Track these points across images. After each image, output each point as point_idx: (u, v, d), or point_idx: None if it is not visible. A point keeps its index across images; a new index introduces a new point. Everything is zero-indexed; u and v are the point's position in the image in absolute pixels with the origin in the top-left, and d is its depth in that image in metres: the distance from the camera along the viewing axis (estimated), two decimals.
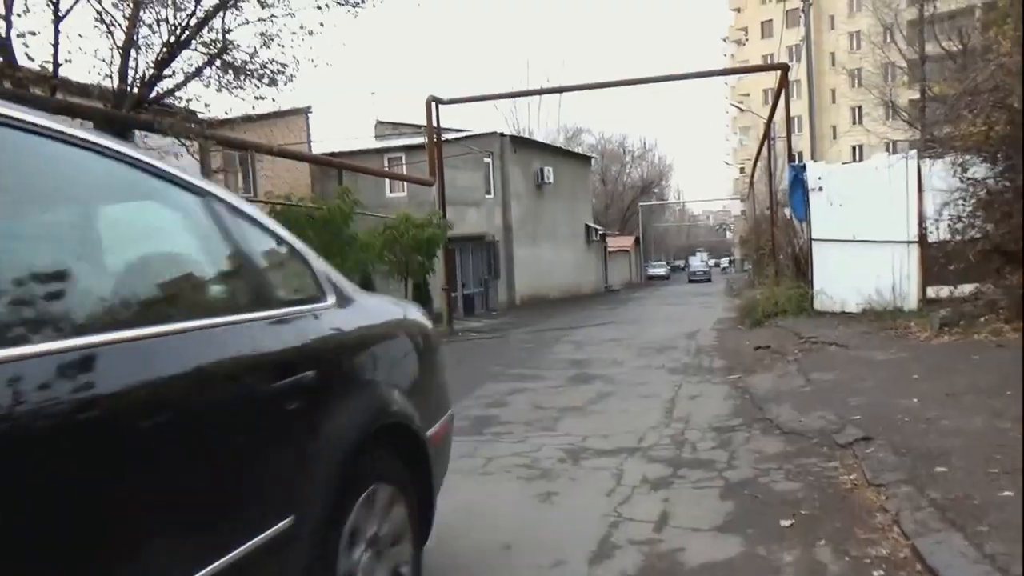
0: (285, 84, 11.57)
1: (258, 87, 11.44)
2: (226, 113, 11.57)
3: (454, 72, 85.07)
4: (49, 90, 9.63)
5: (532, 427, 6.85)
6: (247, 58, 11.14)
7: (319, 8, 11.34)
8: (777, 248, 20.36)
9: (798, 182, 14.14)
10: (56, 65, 9.54)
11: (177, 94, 11.48)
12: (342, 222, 15.10)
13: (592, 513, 4.25)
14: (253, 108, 11.57)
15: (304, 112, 28.61)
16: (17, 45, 9.04)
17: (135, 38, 10.75)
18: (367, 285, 18.05)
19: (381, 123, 36.14)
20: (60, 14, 9.43)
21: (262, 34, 11.06)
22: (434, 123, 19.54)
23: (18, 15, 9.16)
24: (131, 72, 10.79)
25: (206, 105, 11.88)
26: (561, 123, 80.00)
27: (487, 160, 29.23)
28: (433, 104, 19.56)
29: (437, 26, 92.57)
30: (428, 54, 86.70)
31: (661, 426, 6.55)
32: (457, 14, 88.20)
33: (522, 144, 32.62)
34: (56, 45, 9.45)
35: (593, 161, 49.77)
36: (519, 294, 30.06)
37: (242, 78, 11.35)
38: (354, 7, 12.02)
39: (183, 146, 10.58)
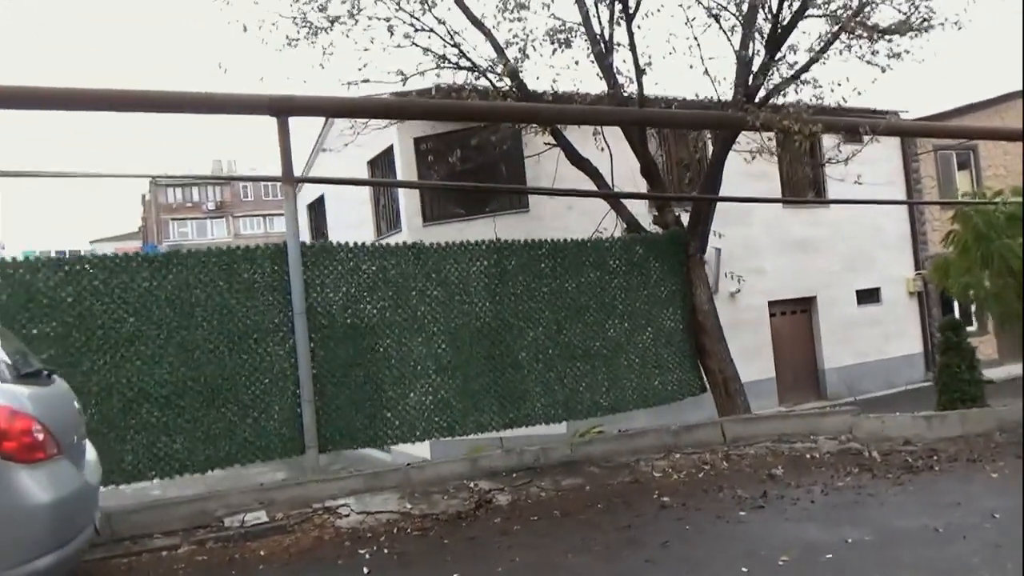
0: (925, 32, 8.20)
1: (890, 41, 8.37)
2: (853, 92, 8.74)
3: None
4: (638, 102, 8.72)
5: None
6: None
7: None
8: None
9: None
10: (639, 72, 8.56)
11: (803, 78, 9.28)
12: None
13: None
14: (874, 81, 8.55)
15: None
16: None
17: (753, 22, 9.00)
18: None
19: None
20: (630, 11, 8.42)
21: None
22: None
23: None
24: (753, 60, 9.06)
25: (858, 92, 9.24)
26: None
27: None
28: None
29: None
30: None
31: None
32: None
33: None
34: (633, 49, 8.48)
35: None
36: None
37: (873, 37, 8.47)
38: None
39: (791, 137, 8.31)
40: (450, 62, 8.84)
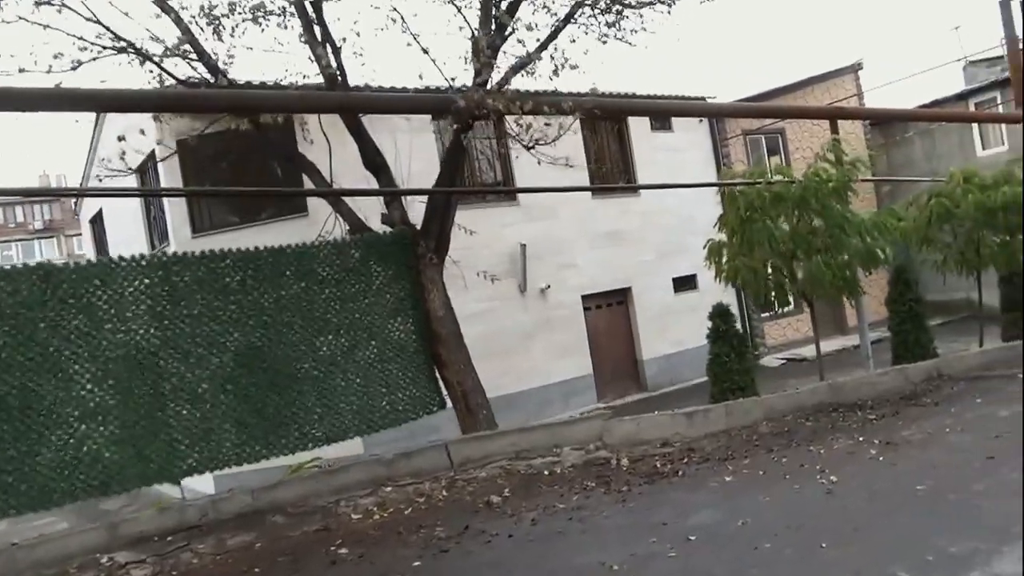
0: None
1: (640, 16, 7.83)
2: None
3: None
4: (340, 85, 7.62)
5: None
6: None
7: None
8: None
9: None
10: (336, 50, 7.46)
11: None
12: (827, 197, 9.88)
13: None
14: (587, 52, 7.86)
15: (852, 69, 23.68)
16: None
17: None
18: (901, 283, 12.06)
19: (973, 64, 27.75)
20: None
21: None
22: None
23: None
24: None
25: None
26: None
27: None
28: None
29: None
30: None
31: None
32: None
33: None
34: (323, 24, 7.38)
35: None
36: None
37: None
38: None
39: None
40: (98, 44, 7.35)
